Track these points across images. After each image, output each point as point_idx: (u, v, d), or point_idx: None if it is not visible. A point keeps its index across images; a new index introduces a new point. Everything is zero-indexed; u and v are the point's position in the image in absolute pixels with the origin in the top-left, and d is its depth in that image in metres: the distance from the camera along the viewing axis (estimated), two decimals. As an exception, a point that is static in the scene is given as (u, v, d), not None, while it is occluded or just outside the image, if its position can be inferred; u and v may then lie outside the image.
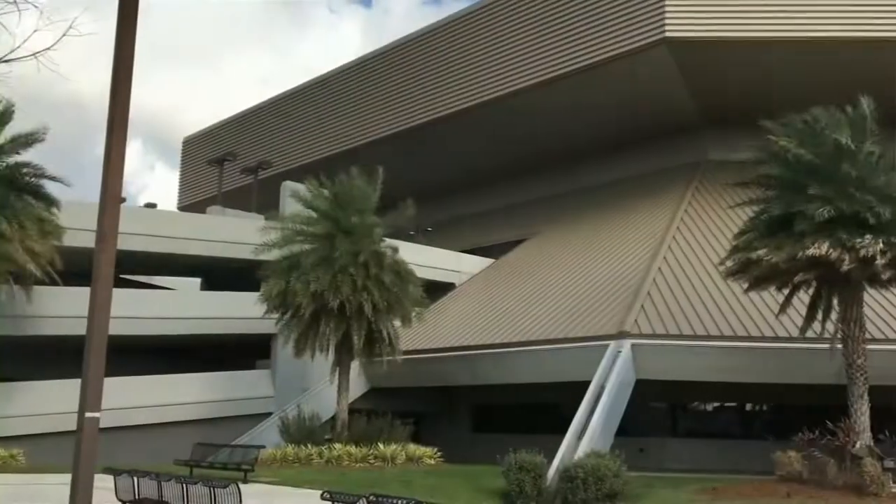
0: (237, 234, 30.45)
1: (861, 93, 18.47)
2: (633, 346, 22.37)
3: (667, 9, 32.60)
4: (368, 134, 45.34)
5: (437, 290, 33.41)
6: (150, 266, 35.33)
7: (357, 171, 25.38)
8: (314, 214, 25.33)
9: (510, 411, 31.02)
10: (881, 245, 16.56)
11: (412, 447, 23.67)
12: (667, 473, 20.99)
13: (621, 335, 22.81)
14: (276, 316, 25.32)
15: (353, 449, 22.96)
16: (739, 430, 28.89)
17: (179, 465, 21.12)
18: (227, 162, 46.17)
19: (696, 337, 22.74)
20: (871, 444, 17.37)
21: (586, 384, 21.22)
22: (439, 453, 24.00)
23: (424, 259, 31.39)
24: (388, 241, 25.48)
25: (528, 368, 25.57)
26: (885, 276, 17.17)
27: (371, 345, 24.56)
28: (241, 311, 29.08)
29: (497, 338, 27.48)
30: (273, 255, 24.90)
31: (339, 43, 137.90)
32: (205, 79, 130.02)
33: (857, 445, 17.14)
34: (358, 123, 46.09)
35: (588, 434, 19.29)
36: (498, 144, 43.07)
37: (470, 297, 34.40)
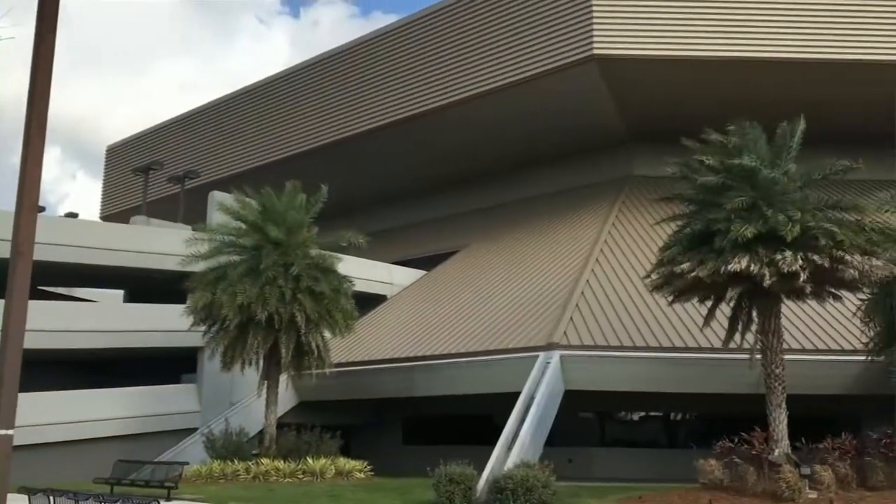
0: (162, 244, 29.73)
1: (786, 112, 19.20)
2: (561, 357, 22.66)
3: (595, 27, 33.32)
4: (299, 144, 44.94)
5: (368, 302, 33.24)
6: (70, 278, 34.21)
7: (291, 182, 25.14)
8: (242, 225, 24.99)
9: (441, 423, 31.04)
10: (800, 262, 17.14)
11: (342, 461, 23.43)
12: (594, 483, 21.28)
13: (550, 346, 23.09)
14: (202, 329, 24.86)
15: (281, 464, 22.62)
16: (665, 438, 29.56)
17: (99, 484, 20.47)
18: (153, 171, 45.04)
19: (622, 348, 23.20)
20: (789, 451, 17.94)
21: (517, 395, 21.38)
22: (369, 466, 23.82)
23: (356, 271, 31.19)
24: (323, 252, 25.29)
25: (459, 380, 25.63)
26: (808, 290, 17.76)
27: (300, 358, 24.31)
28: (165, 324, 28.38)
29: (428, 350, 27.49)
30: (200, 266, 24.45)
31: (268, 53, 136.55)
32: (130, 86, 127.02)
33: (776, 453, 17.69)
34: (288, 134, 45.64)
35: (518, 445, 19.40)
36: (429, 157, 43.24)
37: (402, 309, 34.34)
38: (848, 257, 17.49)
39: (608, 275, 28.63)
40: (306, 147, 44.45)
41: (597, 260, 29.90)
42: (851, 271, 17.59)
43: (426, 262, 40.01)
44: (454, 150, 42.25)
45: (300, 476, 22.33)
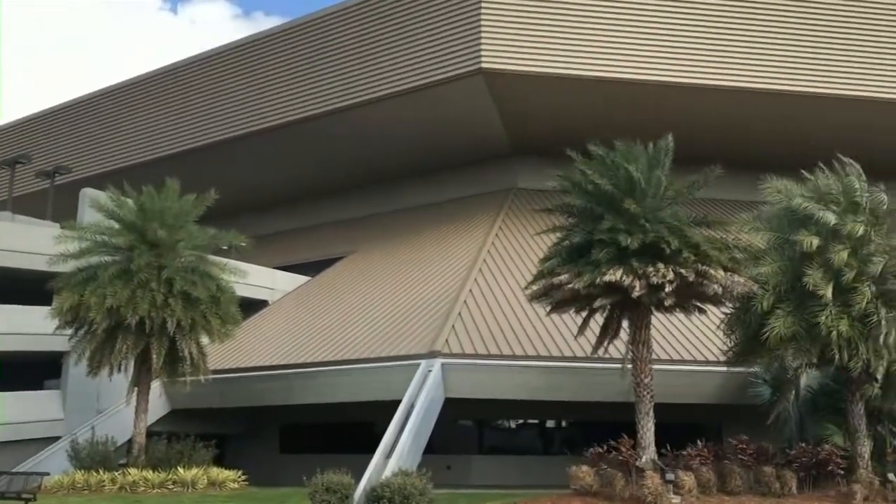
0: (27, 242, 28.13)
1: (662, 131, 20.11)
2: (443, 365, 22.84)
3: (483, 41, 33.83)
4: (176, 144, 43.33)
5: (249, 307, 32.48)
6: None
7: (170, 181, 24.29)
8: (116, 225, 23.96)
9: (319, 431, 30.62)
10: (671, 274, 18.00)
11: (215, 471, 22.73)
12: (471, 490, 21.52)
13: (432, 354, 23.23)
14: (68, 332, 23.67)
15: (149, 474, 21.76)
16: (541, 445, 30.24)
17: (-53, 497, 19.13)
18: (20, 165, 42.50)
19: (502, 356, 23.59)
20: (655, 457, 18.72)
21: (397, 403, 21.39)
22: (244, 476, 23.24)
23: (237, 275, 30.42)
24: (203, 255, 24.54)
25: (341, 388, 25.39)
26: (668, 302, 18.66)
27: (173, 364, 23.49)
28: (27, 327, 26.84)
29: (310, 357, 27.12)
30: (68, 266, 23.29)
31: (144, 49, 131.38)
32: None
33: (643, 459, 18.43)
34: (165, 132, 43.89)
35: (396, 453, 19.41)
36: (317, 161, 42.74)
37: (283, 315, 33.76)
38: (712, 272, 18.47)
39: (491, 284, 29.09)
40: (186, 147, 42.96)
41: (480, 269, 30.33)
42: (715, 286, 18.58)
43: (311, 268, 39.49)
44: (342, 156, 41.94)
45: (170, 486, 21.57)
